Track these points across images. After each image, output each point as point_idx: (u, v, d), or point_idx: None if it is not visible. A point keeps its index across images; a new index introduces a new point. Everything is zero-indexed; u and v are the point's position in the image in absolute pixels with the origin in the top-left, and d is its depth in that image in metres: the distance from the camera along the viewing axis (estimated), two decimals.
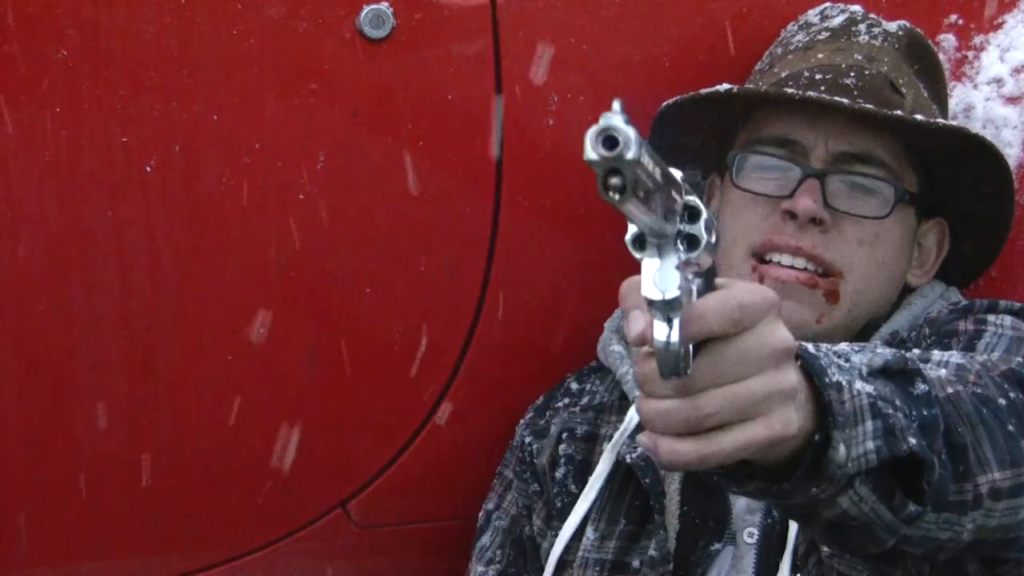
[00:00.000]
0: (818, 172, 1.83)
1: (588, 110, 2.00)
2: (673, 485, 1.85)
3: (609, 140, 1.05)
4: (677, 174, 1.17)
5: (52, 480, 2.03)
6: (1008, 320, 1.74)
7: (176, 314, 1.98)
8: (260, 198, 1.95)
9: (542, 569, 1.91)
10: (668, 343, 1.16)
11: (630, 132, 1.05)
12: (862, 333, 1.88)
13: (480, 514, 2.03)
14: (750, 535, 1.81)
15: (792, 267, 1.82)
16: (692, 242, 1.16)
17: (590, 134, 1.05)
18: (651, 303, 1.15)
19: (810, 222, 1.81)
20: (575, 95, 1.99)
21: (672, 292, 1.15)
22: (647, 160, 1.08)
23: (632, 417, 1.89)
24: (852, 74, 1.85)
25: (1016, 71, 2.04)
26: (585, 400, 1.98)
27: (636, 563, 1.84)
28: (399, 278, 2.00)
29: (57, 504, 2.05)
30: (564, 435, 1.95)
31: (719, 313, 1.19)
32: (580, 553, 1.88)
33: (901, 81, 1.87)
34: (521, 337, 2.07)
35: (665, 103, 1.92)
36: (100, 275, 1.94)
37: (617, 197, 1.07)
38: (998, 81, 2.04)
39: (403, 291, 2.00)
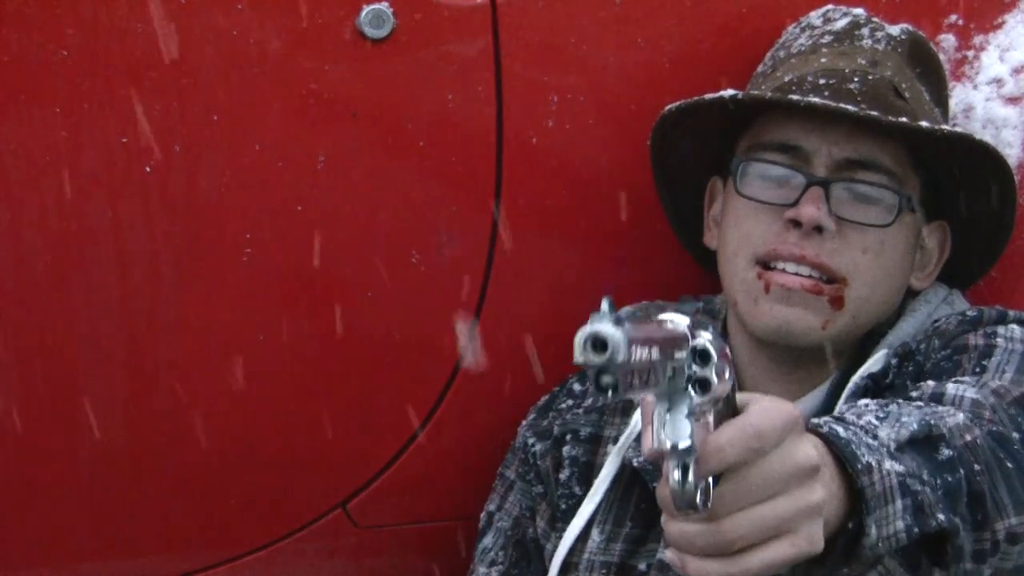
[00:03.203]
0: (822, 180, 1.81)
1: (588, 110, 2.00)
2: None
3: (598, 343, 1.05)
4: (682, 322, 1.16)
5: (52, 480, 2.03)
6: (1018, 332, 1.74)
7: (176, 314, 1.98)
8: (260, 198, 1.95)
9: (546, 571, 1.92)
10: (683, 484, 1.16)
11: (619, 335, 1.05)
12: (867, 339, 1.88)
13: (482, 515, 2.03)
14: None
15: (797, 274, 1.82)
16: (704, 385, 1.16)
17: (579, 339, 1.06)
18: (663, 452, 1.15)
19: (814, 230, 1.80)
20: (575, 95, 1.99)
21: (684, 441, 1.15)
22: (640, 353, 1.08)
23: (637, 420, 1.89)
24: (856, 79, 1.84)
25: (1016, 71, 2.04)
26: (588, 401, 1.98)
27: (643, 566, 1.85)
28: (399, 278, 2.00)
29: (57, 504, 2.05)
30: (568, 436, 1.95)
31: (737, 446, 1.18)
32: (585, 555, 1.88)
33: (904, 86, 1.87)
34: (521, 337, 2.07)
35: (668, 107, 1.92)
36: (100, 275, 1.94)
37: (611, 394, 1.07)
38: (998, 81, 2.04)
39: (403, 291, 2.00)
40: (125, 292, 1.96)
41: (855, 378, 1.81)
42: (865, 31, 1.91)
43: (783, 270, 1.82)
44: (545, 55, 1.98)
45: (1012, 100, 2.03)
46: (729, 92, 1.86)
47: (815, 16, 1.96)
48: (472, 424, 2.09)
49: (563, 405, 1.99)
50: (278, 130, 1.93)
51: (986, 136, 1.96)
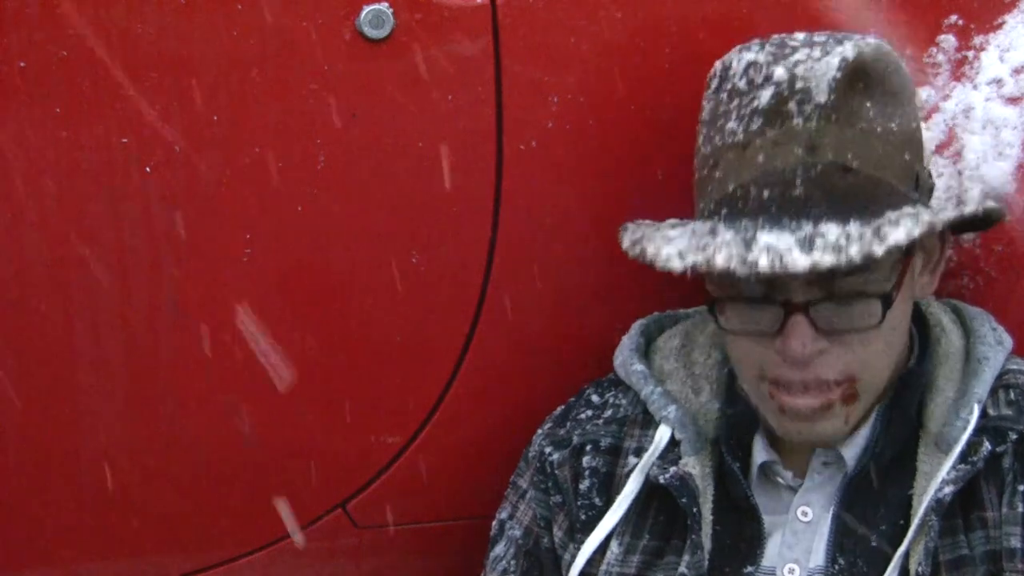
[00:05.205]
0: (800, 305, 1.74)
1: (588, 110, 2.00)
2: (707, 505, 1.86)
3: None
4: None
5: (52, 480, 2.04)
6: None
7: (176, 314, 1.98)
8: (260, 199, 1.95)
9: None
10: None
11: None
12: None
13: (493, 523, 2.02)
14: (791, 571, 1.82)
15: (806, 393, 1.77)
16: None
17: None
18: None
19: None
20: (575, 95, 1.99)
21: None
22: None
23: (661, 437, 1.89)
24: (798, 179, 1.73)
25: (1016, 71, 2.04)
26: (608, 413, 1.97)
27: None
28: (399, 278, 2.00)
29: (57, 504, 2.05)
30: (588, 447, 1.94)
31: None
32: (603, 567, 1.88)
33: (850, 155, 1.75)
34: (521, 338, 2.07)
35: (624, 248, 1.82)
36: (100, 275, 1.95)
37: None
38: (998, 81, 2.04)
39: (403, 291, 2.01)
40: (125, 292, 1.96)
41: (963, 438, 1.78)
42: (792, 106, 1.75)
43: (791, 391, 1.79)
44: (545, 55, 1.98)
45: (1012, 100, 2.03)
46: (679, 265, 1.73)
47: (738, 76, 1.80)
48: (472, 424, 2.09)
49: (582, 415, 1.98)
50: (278, 130, 1.93)
51: (986, 136, 1.96)
